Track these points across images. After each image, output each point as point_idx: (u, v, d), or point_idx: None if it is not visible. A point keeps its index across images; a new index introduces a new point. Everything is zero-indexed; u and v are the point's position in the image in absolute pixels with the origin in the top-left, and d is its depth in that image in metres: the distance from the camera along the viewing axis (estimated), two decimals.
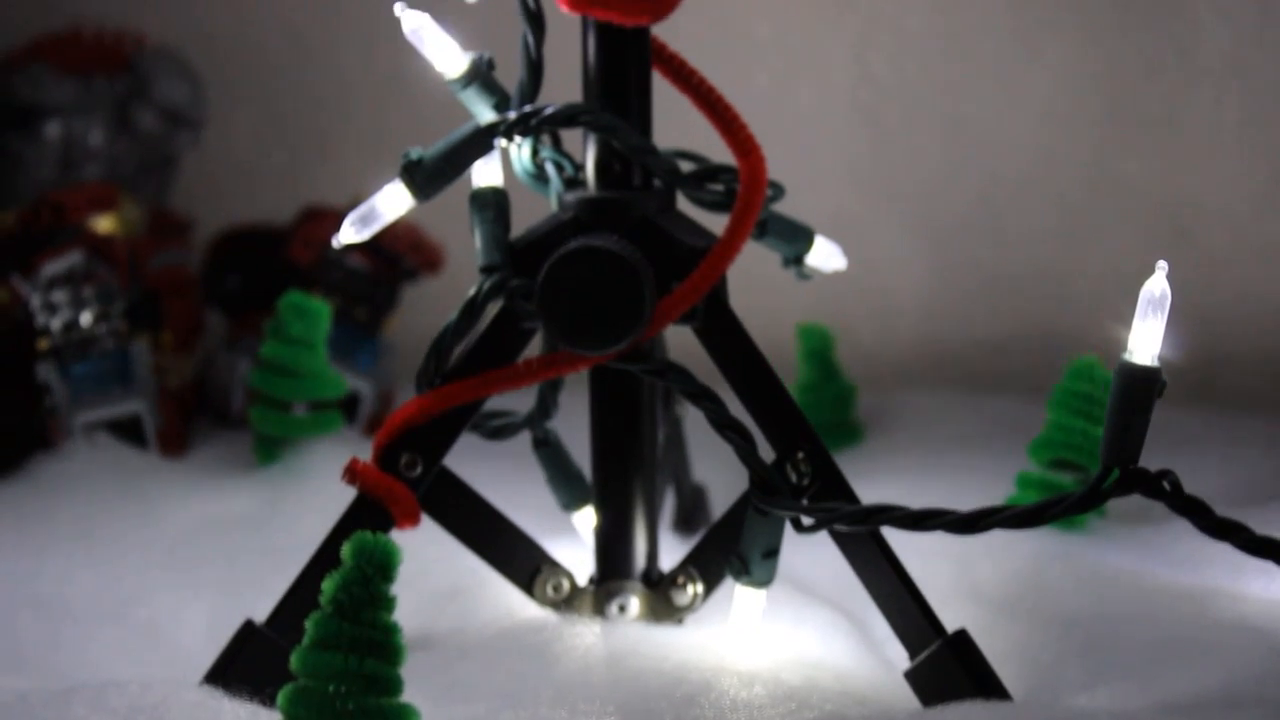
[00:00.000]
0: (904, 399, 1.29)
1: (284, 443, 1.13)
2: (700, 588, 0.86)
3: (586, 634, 0.83)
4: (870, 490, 0.84)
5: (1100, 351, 0.97)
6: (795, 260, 0.90)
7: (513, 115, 0.80)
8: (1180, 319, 0.71)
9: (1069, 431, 0.99)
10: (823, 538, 0.79)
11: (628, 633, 0.84)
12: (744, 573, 0.81)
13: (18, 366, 1.17)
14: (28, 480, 1.11)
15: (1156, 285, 0.70)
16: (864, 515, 0.76)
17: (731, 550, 0.82)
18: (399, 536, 0.74)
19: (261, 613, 0.80)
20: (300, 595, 0.79)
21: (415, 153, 0.81)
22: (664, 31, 0.82)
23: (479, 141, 0.81)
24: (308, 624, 0.67)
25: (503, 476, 0.97)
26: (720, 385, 0.80)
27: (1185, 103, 1.44)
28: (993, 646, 0.79)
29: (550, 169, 0.84)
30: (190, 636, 0.95)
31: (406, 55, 0.81)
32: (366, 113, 1.56)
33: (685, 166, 0.83)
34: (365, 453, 0.82)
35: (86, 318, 1.18)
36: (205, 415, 1.29)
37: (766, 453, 0.79)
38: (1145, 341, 0.70)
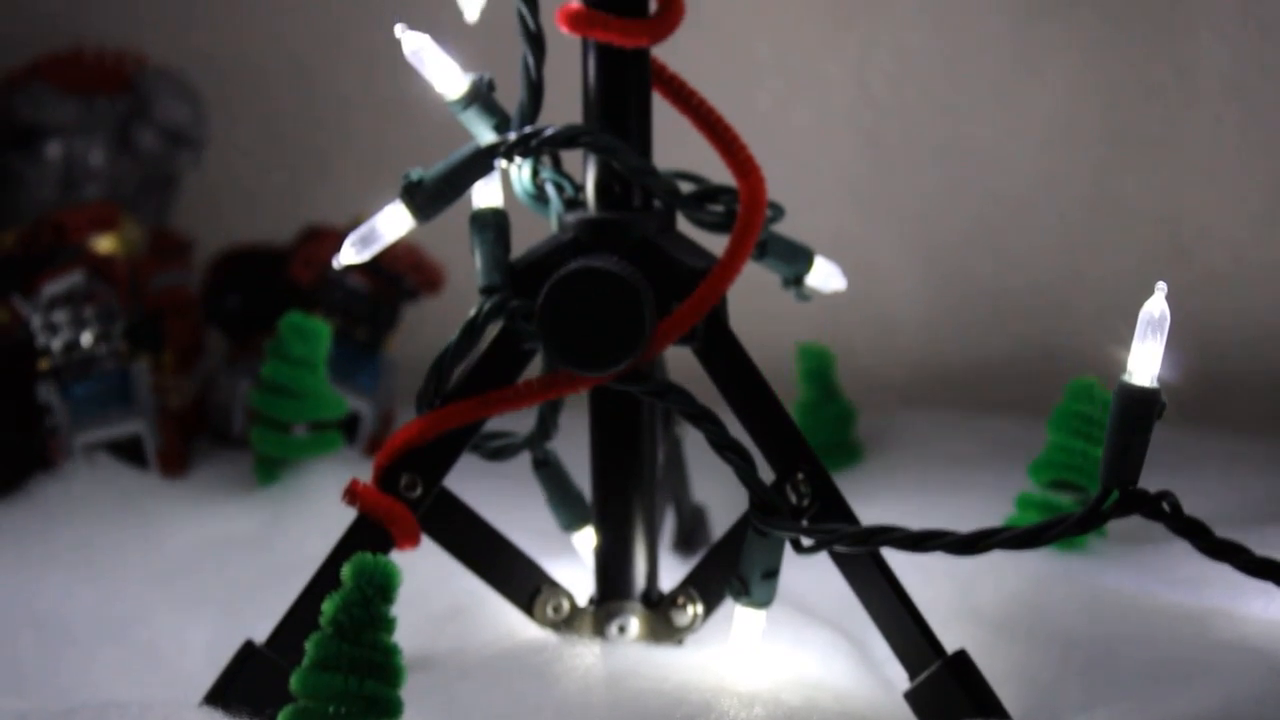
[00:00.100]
0: (904, 419, 1.29)
1: (284, 463, 1.13)
2: (700, 608, 0.86)
3: (586, 655, 0.83)
4: (870, 511, 0.84)
5: (1100, 372, 0.97)
6: (795, 281, 0.90)
7: (513, 136, 0.80)
8: (1180, 340, 0.71)
9: (1069, 452, 0.99)
10: (822, 558, 0.79)
11: (628, 653, 0.84)
12: (744, 593, 0.81)
13: (18, 387, 1.17)
14: (28, 501, 1.11)
15: (1155, 306, 0.70)
16: (864, 536, 0.76)
17: (731, 571, 0.82)
18: (399, 557, 0.74)
19: (262, 633, 0.80)
20: (300, 616, 0.79)
21: (416, 174, 0.81)
22: (664, 52, 0.83)
23: (479, 162, 0.81)
24: (308, 645, 0.67)
25: (503, 497, 0.97)
26: (720, 406, 0.80)
27: (1185, 123, 1.44)
28: (992, 667, 0.79)
29: (550, 190, 0.84)
30: (190, 657, 0.95)
31: (407, 76, 0.81)
32: (367, 133, 1.56)
33: (685, 187, 0.83)
34: (366, 473, 0.82)
35: (87, 338, 1.18)
36: (206, 436, 1.29)
37: (766, 473, 0.79)
38: (1144, 363, 0.70)
